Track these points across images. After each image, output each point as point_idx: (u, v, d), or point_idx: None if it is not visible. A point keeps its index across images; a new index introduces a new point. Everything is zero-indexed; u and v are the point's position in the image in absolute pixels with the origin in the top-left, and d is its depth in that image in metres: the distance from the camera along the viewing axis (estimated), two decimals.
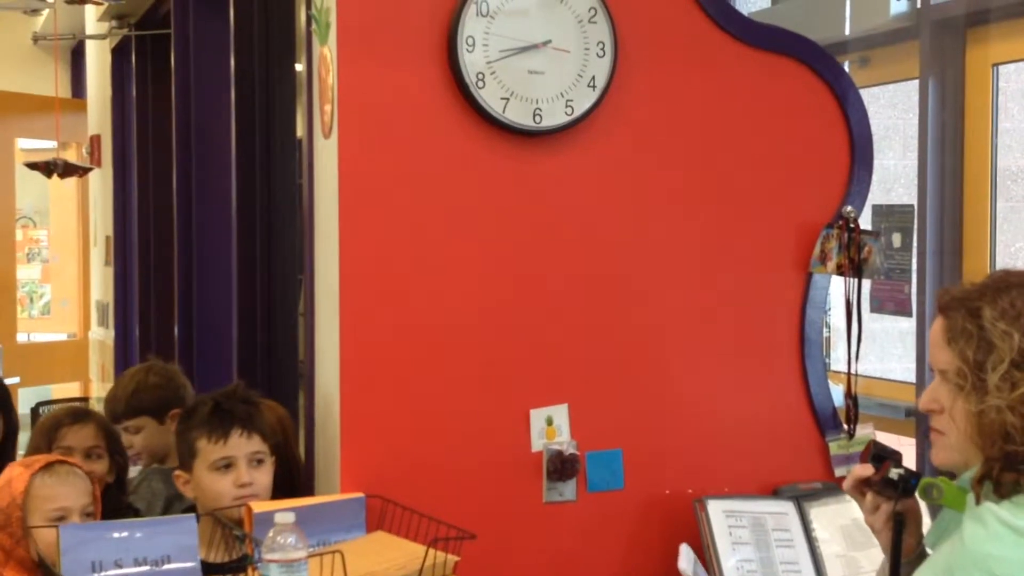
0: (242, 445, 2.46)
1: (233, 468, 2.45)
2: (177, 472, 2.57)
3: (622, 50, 2.53)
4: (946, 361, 1.83)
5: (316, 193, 2.60)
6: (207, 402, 2.55)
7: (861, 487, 2.00)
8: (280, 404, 3.08)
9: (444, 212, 2.47)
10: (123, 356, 5.52)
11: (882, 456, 1.98)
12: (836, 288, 2.76)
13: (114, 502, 2.90)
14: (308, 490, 2.64)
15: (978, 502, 1.78)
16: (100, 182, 6.13)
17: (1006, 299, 1.79)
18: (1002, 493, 1.75)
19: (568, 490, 2.55)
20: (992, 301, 1.81)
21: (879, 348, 3.77)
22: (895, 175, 4.10)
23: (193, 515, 2.26)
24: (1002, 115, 3.40)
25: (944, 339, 1.84)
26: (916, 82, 3.49)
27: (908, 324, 3.45)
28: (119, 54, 5.61)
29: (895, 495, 1.96)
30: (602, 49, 2.52)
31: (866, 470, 1.98)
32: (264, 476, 2.47)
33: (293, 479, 2.84)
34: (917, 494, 1.96)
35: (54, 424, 2.98)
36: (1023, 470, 1.74)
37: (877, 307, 3.38)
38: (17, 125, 7.32)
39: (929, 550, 1.95)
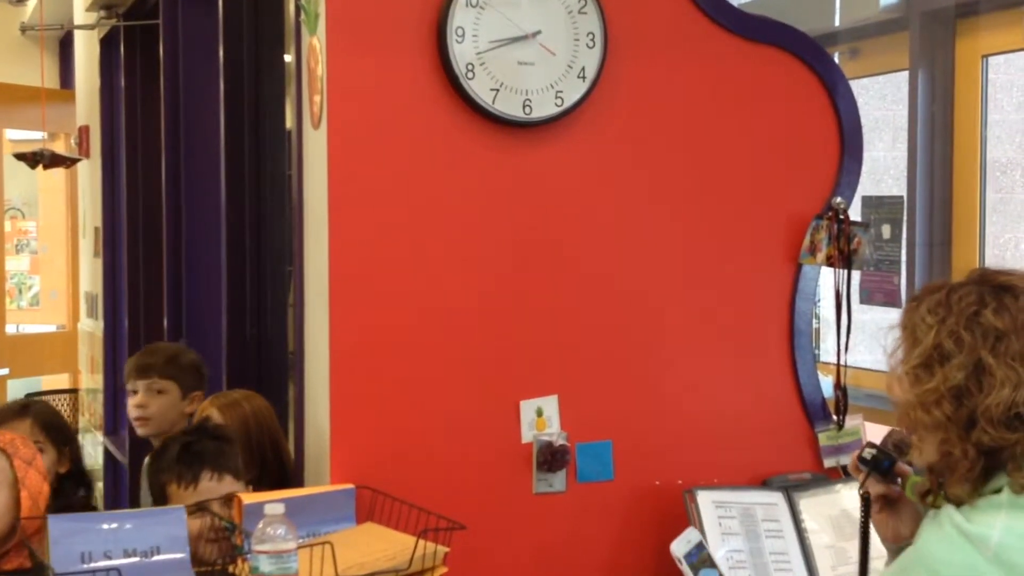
0: (213, 489, 2.43)
1: (207, 512, 2.42)
2: None
3: (612, 41, 2.53)
4: (893, 353, 1.85)
5: (305, 184, 2.59)
6: (176, 443, 2.53)
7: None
8: (269, 395, 3.09)
9: (433, 203, 2.46)
10: (112, 347, 5.50)
11: (898, 445, 2.02)
12: (825, 279, 2.76)
13: (69, 496, 2.90)
14: (298, 481, 2.64)
15: (934, 507, 1.79)
16: (89, 173, 6.11)
17: (952, 296, 1.78)
18: (955, 504, 1.75)
19: (558, 481, 2.55)
20: (937, 297, 1.80)
21: (868, 339, 3.78)
22: (885, 166, 4.10)
23: (183, 507, 2.26)
24: (991, 106, 3.41)
25: (897, 330, 1.86)
26: (906, 73, 3.50)
27: (897, 315, 3.46)
28: (107, 44, 5.59)
29: (865, 474, 2.00)
30: (592, 40, 2.52)
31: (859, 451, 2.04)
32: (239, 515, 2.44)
33: (283, 467, 2.85)
34: (907, 492, 1.98)
35: None
36: (949, 481, 1.74)
37: (866, 298, 3.39)
38: (4, 116, 7.29)
39: None
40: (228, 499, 2.42)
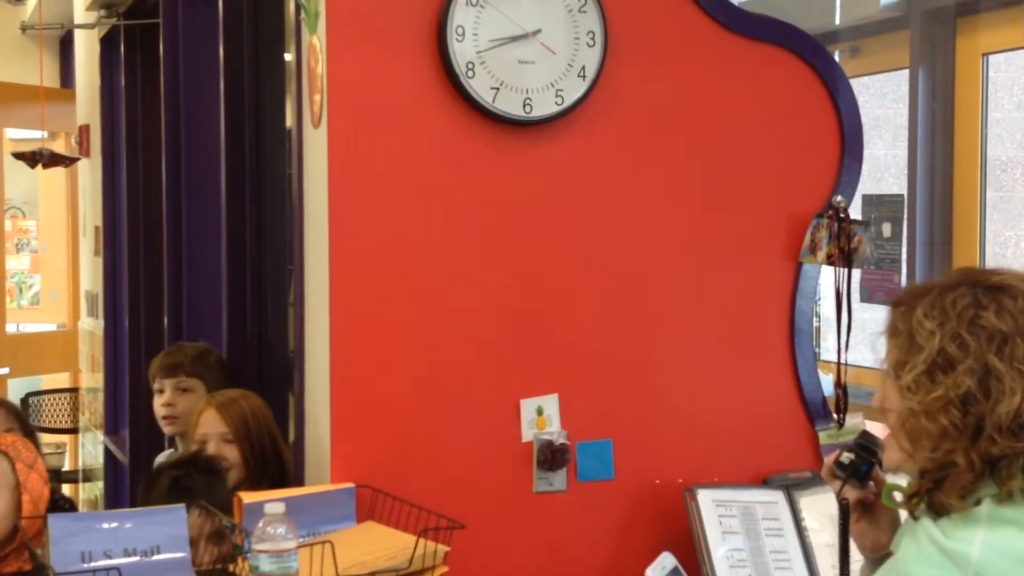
0: (202, 524, 2.43)
1: (193, 547, 2.42)
2: None
3: (612, 40, 2.53)
4: (885, 359, 1.79)
5: (306, 183, 2.59)
6: (166, 476, 2.53)
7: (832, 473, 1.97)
8: (270, 394, 3.09)
9: (433, 202, 2.46)
10: (113, 346, 5.50)
11: (864, 445, 1.94)
12: (826, 278, 2.76)
13: None
14: (298, 480, 2.64)
15: (913, 518, 1.73)
16: (89, 172, 6.11)
17: (945, 299, 1.72)
18: (937, 512, 1.70)
19: (558, 480, 2.55)
20: (930, 300, 1.74)
21: (869, 338, 3.78)
22: (885, 165, 4.10)
23: (183, 505, 2.26)
24: (992, 105, 3.41)
25: (885, 335, 1.80)
26: (906, 72, 3.50)
27: None
28: (108, 43, 5.58)
29: (843, 479, 1.93)
30: (592, 39, 2.51)
31: (833, 456, 1.96)
32: (227, 550, 2.44)
33: (282, 465, 2.85)
34: (883, 499, 1.91)
35: None
36: (944, 488, 1.68)
37: (867, 297, 3.38)
38: (4, 115, 7.29)
39: (893, 551, 1.87)
40: (218, 533, 2.42)
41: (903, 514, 1.93)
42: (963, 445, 1.67)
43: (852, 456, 1.93)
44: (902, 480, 1.88)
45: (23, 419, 3.18)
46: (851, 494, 1.94)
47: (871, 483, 1.96)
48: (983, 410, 1.66)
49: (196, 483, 2.49)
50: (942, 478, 1.69)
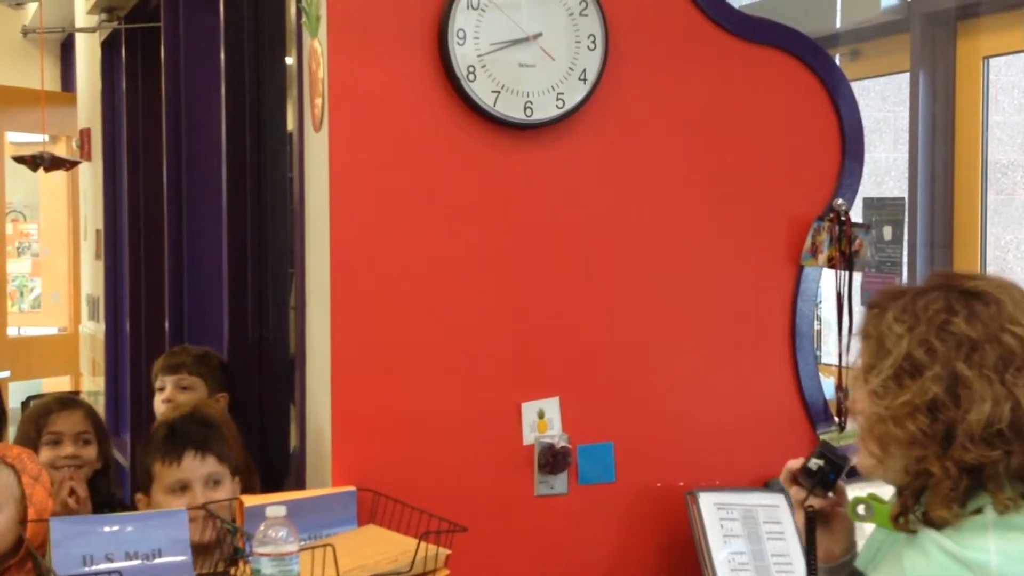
0: (196, 467, 2.47)
1: (189, 490, 2.45)
2: (138, 496, 2.59)
3: (613, 43, 2.53)
4: (856, 361, 1.76)
5: (307, 187, 2.59)
6: (163, 426, 2.58)
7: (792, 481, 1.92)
8: (272, 397, 3.09)
9: (435, 205, 2.46)
10: (113, 350, 5.50)
11: (825, 456, 1.88)
12: (827, 281, 2.76)
13: (102, 492, 2.96)
14: (300, 484, 2.64)
15: (911, 532, 1.67)
16: (90, 176, 6.12)
17: (917, 302, 1.68)
18: (935, 526, 1.64)
19: (559, 483, 2.55)
20: (902, 304, 1.70)
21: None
22: (886, 168, 4.11)
23: (185, 509, 2.26)
24: (992, 108, 3.41)
25: (859, 338, 1.77)
26: (907, 75, 3.51)
27: None
28: (109, 47, 5.59)
29: (808, 486, 1.87)
30: (593, 42, 2.52)
31: (796, 462, 1.91)
32: (222, 496, 2.46)
33: (251, 464, 2.87)
34: (848, 512, 1.85)
35: (44, 411, 3.07)
36: (927, 501, 1.63)
37: (868, 300, 3.39)
38: (5, 119, 7.29)
39: (859, 567, 1.84)
40: (214, 481, 2.48)
41: (858, 526, 1.89)
42: (934, 452, 1.63)
43: (821, 463, 1.87)
44: (865, 493, 1.82)
45: (99, 424, 3.14)
46: (815, 502, 1.88)
47: (830, 492, 1.90)
48: (953, 417, 1.62)
49: (191, 430, 2.52)
50: (920, 489, 1.65)
